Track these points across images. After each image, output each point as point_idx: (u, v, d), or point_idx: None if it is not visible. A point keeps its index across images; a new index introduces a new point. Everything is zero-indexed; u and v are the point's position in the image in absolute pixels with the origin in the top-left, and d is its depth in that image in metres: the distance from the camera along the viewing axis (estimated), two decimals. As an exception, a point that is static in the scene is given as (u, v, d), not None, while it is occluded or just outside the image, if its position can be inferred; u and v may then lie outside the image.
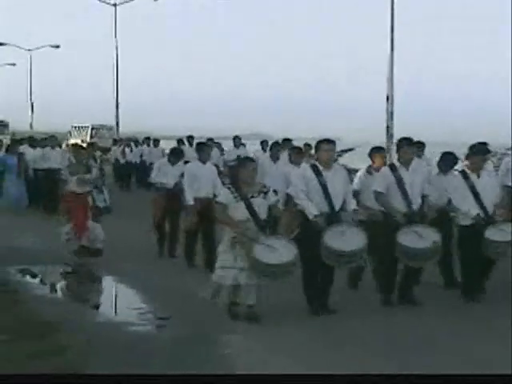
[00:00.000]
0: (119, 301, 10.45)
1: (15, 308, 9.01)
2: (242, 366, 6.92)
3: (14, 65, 58.92)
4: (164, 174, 12.71)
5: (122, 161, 28.43)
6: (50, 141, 20.56)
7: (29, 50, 54.07)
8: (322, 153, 9.00)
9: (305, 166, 9.35)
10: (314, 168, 8.93)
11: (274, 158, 13.02)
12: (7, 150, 20.36)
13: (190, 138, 25.38)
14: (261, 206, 8.46)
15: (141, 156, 27.66)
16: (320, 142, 9.13)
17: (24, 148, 21.06)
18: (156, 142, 27.76)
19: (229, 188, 8.58)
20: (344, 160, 19.98)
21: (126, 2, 41.05)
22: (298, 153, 12.44)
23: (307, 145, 14.74)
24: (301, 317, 8.61)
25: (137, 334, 8.22)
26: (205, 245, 11.74)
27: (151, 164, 25.20)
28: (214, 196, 10.94)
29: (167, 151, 25.77)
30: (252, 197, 8.43)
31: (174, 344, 7.74)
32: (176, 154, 13.25)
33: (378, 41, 25.52)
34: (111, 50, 40.98)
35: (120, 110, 41.29)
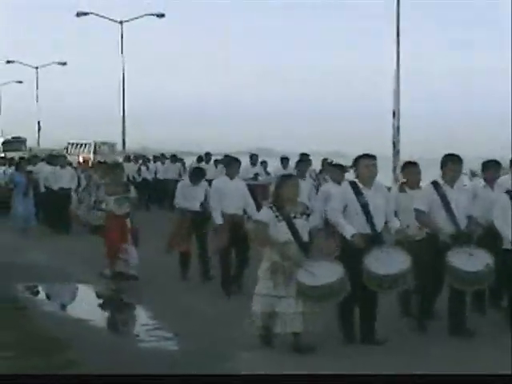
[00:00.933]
0: (126, 317, 10.49)
1: (24, 324, 9.05)
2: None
3: (21, 82, 59.19)
4: (188, 196, 12.06)
5: (138, 179, 27.12)
6: (60, 159, 20.12)
7: (36, 67, 54.30)
8: (362, 169, 8.30)
9: (345, 184, 8.70)
10: (354, 186, 8.26)
11: (301, 175, 12.16)
12: (17, 168, 20.00)
13: (208, 155, 25.10)
14: (303, 227, 7.91)
15: (155, 173, 27.04)
16: (360, 158, 8.41)
17: (41, 166, 20.89)
18: (173, 157, 27.10)
19: (270, 207, 7.95)
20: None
21: (132, 19, 41.23)
22: (339, 170, 11.84)
23: (325, 159, 14.52)
24: (333, 346, 7.97)
25: (146, 351, 8.24)
26: (238, 266, 10.99)
27: (167, 181, 25.12)
28: (244, 213, 10.93)
29: (179, 166, 26.00)
30: (294, 217, 7.89)
31: (184, 360, 7.77)
32: (198, 173, 12.61)
33: (385, 55, 25.53)
34: (118, 67, 41.11)
35: (126, 126, 41.32)
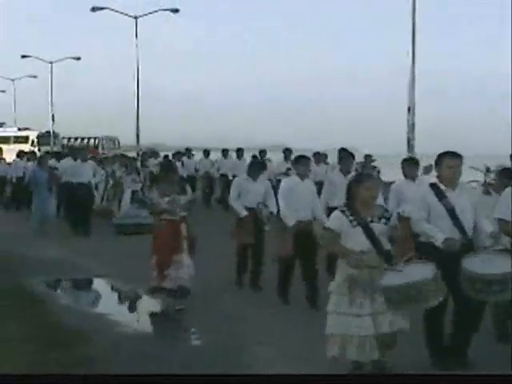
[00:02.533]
0: (145, 312, 10.49)
1: (43, 318, 9.12)
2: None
3: (35, 77, 59.36)
4: (244, 193, 11.07)
5: (184, 174, 24.59)
6: (81, 153, 19.09)
7: (50, 62, 54.38)
8: (445, 169, 7.37)
9: (425, 187, 7.60)
10: (435, 188, 7.35)
11: (345, 171, 11.47)
12: (39, 163, 18.70)
13: (240, 151, 23.66)
14: (383, 233, 6.82)
15: (196, 170, 25.16)
16: (443, 156, 7.46)
17: (67, 160, 19.94)
18: (205, 152, 25.57)
19: (342, 211, 6.82)
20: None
21: (147, 14, 41.25)
22: (414, 165, 10.81)
23: (368, 156, 12.82)
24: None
25: (164, 345, 8.30)
26: (306, 277, 10.00)
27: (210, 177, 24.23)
28: (314, 218, 10.07)
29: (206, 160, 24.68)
30: (371, 221, 6.81)
31: (199, 354, 7.81)
32: (257, 167, 11.48)
33: (400, 50, 25.50)
34: (132, 62, 41.11)
35: (140, 121, 41.31)
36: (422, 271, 6.51)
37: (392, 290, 6.47)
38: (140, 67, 40.69)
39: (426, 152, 15.63)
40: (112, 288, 12.08)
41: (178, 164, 24.74)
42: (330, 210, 9.49)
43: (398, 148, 19.42)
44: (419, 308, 6.69)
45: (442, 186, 7.37)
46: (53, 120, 52.20)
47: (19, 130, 51.20)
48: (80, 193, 17.66)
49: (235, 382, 5.00)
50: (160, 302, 10.07)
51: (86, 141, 50.04)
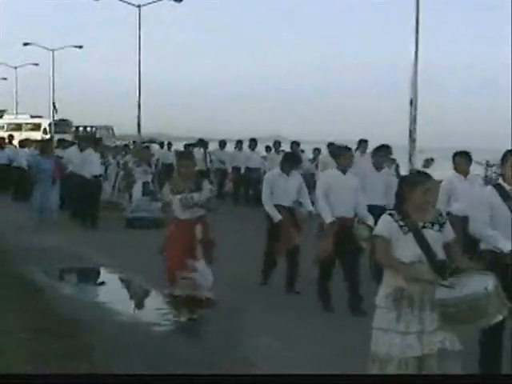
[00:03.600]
0: (147, 302, 10.50)
1: (41, 307, 9.10)
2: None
3: (37, 65, 59.31)
4: (278, 189, 10.25)
5: (203, 167, 22.86)
6: (92, 143, 18.07)
7: (52, 50, 54.34)
8: (511, 169, 6.70)
9: (487, 187, 6.99)
10: (500, 189, 6.66)
11: (379, 166, 10.72)
12: (42, 151, 17.18)
13: (253, 142, 22.82)
14: (437, 240, 5.90)
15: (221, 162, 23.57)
16: (509, 154, 6.78)
17: (72, 150, 18.74)
18: (222, 143, 23.98)
19: (391, 214, 5.92)
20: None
21: (150, 3, 41.18)
22: (467, 159, 9.96)
23: (387, 147, 11.36)
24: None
25: (162, 335, 8.32)
26: (347, 281, 9.32)
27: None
28: (355, 216, 9.30)
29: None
30: (424, 227, 5.90)
31: (197, 344, 7.82)
32: (292, 161, 10.59)
33: (403, 43, 25.48)
34: (134, 51, 41.06)
35: (142, 111, 41.29)
36: (481, 283, 5.67)
37: (446, 306, 5.66)
38: (142, 56, 40.74)
39: (428, 145, 15.56)
40: (114, 278, 12.04)
41: (200, 155, 23.32)
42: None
43: (399, 140, 19.38)
44: (477, 326, 5.90)
45: (508, 187, 6.65)
46: (54, 108, 52.22)
47: (31, 117, 51.26)
48: (88, 185, 16.78)
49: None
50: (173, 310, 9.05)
51: (81, 129, 50.13)
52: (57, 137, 35.90)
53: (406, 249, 5.83)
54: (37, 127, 49.20)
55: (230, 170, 23.63)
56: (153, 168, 18.29)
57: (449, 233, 5.99)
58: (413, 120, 24.51)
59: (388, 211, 6.04)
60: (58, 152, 19.74)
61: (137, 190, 17.22)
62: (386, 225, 5.94)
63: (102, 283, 11.86)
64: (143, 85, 40.92)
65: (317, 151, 22.32)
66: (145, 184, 17.45)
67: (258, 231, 11.53)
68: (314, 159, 21.81)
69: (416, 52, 24.38)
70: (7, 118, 53.01)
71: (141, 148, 20.40)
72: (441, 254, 5.90)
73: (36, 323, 8.23)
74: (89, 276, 12.33)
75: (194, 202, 8.63)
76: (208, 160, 23.40)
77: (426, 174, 6.56)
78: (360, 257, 9.38)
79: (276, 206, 10.20)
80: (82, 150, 17.56)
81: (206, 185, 8.85)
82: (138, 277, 11.31)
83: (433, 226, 5.91)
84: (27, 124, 50.10)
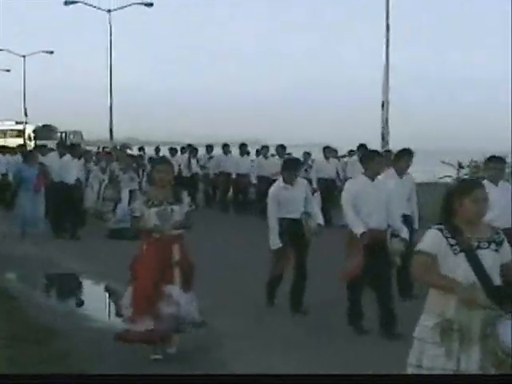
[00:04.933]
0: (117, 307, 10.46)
1: (15, 314, 9.05)
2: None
3: (8, 71, 58.88)
4: (284, 202, 9.29)
5: (188, 173, 22.66)
6: (72, 149, 17.18)
7: (23, 55, 53.98)
8: None
9: None
10: None
11: (401, 172, 9.90)
12: (24, 159, 16.15)
13: (243, 147, 21.85)
14: (494, 263, 4.95)
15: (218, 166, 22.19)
16: None
17: (52, 156, 17.53)
18: (226, 147, 22.50)
19: (440, 230, 4.95)
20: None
21: (121, 8, 41.05)
22: (500, 164, 9.05)
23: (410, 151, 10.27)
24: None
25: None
26: (381, 299, 8.33)
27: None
28: (388, 227, 8.44)
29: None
30: (478, 246, 4.95)
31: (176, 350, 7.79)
32: (292, 167, 9.61)
33: (373, 45, 25.62)
34: (105, 56, 40.90)
35: (113, 116, 41.12)
36: None
37: (502, 343, 4.76)
38: (113, 61, 40.57)
39: (400, 148, 15.62)
40: (88, 284, 11.98)
41: (193, 161, 22.67)
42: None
43: (371, 143, 19.47)
44: None
45: None
46: (25, 114, 51.85)
47: (16, 123, 50.82)
48: (67, 192, 15.90)
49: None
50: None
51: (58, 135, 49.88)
52: (39, 143, 35.45)
53: (456, 271, 4.89)
54: (21, 133, 48.78)
55: (212, 176, 22.57)
56: (140, 175, 17.53)
57: (507, 253, 5.03)
58: (385, 122, 24.67)
59: (436, 225, 5.06)
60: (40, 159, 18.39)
61: (123, 198, 16.24)
62: (433, 241, 4.96)
63: (79, 291, 11.78)
64: (114, 90, 40.79)
65: (307, 155, 21.96)
66: (131, 192, 16.23)
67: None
68: (304, 163, 20.81)
69: (387, 55, 24.55)
70: None
71: (127, 154, 19.37)
72: (496, 279, 4.94)
73: (11, 330, 8.18)
74: (65, 284, 12.22)
75: (173, 216, 7.36)
76: (195, 167, 22.69)
77: (475, 181, 5.87)
78: (393, 274, 8.66)
79: (282, 219, 9.25)
80: (61, 157, 16.63)
81: (186, 197, 7.56)
82: (115, 284, 11.18)
83: (489, 245, 4.97)
84: (12, 131, 49.70)
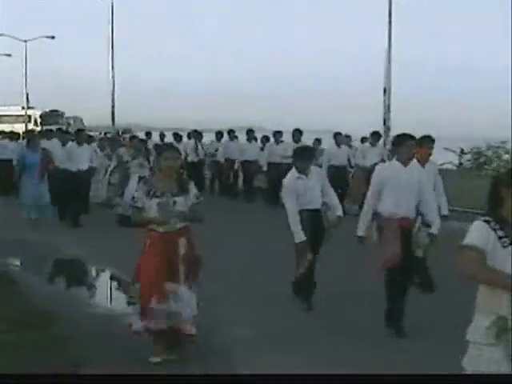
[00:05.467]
0: (116, 293, 10.46)
1: (15, 299, 9.03)
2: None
3: (9, 55, 58.76)
4: (300, 195, 8.79)
5: (195, 159, 22.04)
6: (78, 135, 16.51)
7: (24, 40, 53.86)
8: None
9: None
10: None
11: (423, 161, 9.21)
12: (28, 144, 15.71)
13: (250, 133, 21.20)
14: None
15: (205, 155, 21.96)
16: None
17: (54, 143, 17.14)
18: (232, 132, 21.92)
19: (487, 221, 4.61)
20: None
21: (123, -7, 40.97)
22: None
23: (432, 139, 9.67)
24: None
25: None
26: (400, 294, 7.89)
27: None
28: (418, 216, 7.96)
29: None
30: None
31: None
32: (305, 156, 9.01)
33: (376, 33, 25.56)
34: (107, 41, 40.75)
35: (115, 101, 40.99)
36: None
37: None
38: (115, 46, 40.43)
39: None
40: (90, 271, 11.96)
41: (199, 146, 22.06)
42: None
43: (374, 129, 19.42)
44: None
45: None
46: (27, 99, 51.75)
47: (23, 108, 50.67)
48: (71, 180, 15.47)
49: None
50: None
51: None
52: (47, 128, 35.24)
53: (506, 265, 4.53)
54: (28, 119, 48.62)
55: (219, 163, 21.84)
56: (151, 162, 16.59)
57: None
58: (387, 108, 24.65)
59: (483, 217, 4.70)
60: (44, 144, 17.67)
61: (131, 185, 15.40)
62: (481, 234, 4.59)
63: (81, 277, 11.77)
64: (116, 75, 40.67)
65: (317, 141, 21.11)
66: (141, 179, 15.74)
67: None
68: (316, 150, 21.00)
69: (389, 41, 24.47)
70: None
71: (137, 140, 18.17)
72: None
73: (12, 315, 8.17)
74: (67, 269, 12.21)
75: (178, 208, 6.82)
76: (202, 153, 22.17)
77: None
78: (414, 269, 8.26)
79: (301, 211, 8.72)
80: (63, 144, 16.28)
81: (192, 188, 6.97)
82: (117, 271, 11.13)
83: None
84: (18, 116, 49.56)
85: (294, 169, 8.97)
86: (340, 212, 9.08)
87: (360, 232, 8.04)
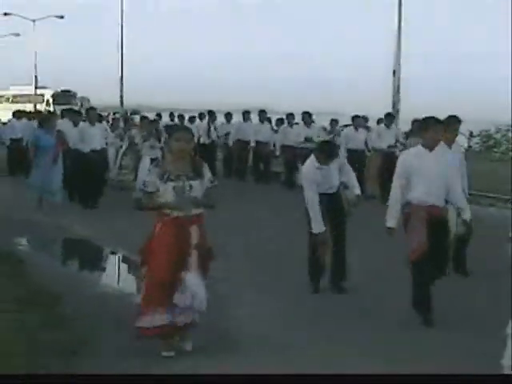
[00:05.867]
0: (124, 274, 10.45)
1: (22, 279, 9.06)
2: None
3: (18, 35, 58.68)
4: (320, 182, 8.67)
5: (207, 141, 21.81)
6: (90, 114, 15.94)
7: (33, 20, 53.76)
8: None
9: None
10: None
11: (450, 143, 8.80)
12: (41, 124, 15.23)
13: (263, 114, 20.69)
14: None
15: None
16: None
17: (63, 123, 16.58)
18: (246, 113, 21.37)
19: None
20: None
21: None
22: None
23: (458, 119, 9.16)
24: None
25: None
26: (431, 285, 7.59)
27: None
28: (447, 203, 7.71)
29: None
30: None
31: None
32: (330, 153, 8.73)
33: (386, 15, 25.34)
34: (116, 22, 40.63)
35: (124, 82, 40.90)
36: None
37: None
38: (125, 27, 40.32)
39: (413, 115, 15.45)
40: (97, 252, 11.97)
41: (203, 129, 21.55)
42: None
43: (383, 111, 19.31)
44: None
45: None
46: (36, 79, 51.72)
47: (36, 88, 50.57)
48: (82, 162, 15.05)
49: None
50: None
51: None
52: (58, 109, 34.98)
53: None
54: (40, 99, 48.46)
55: (231, 144, 21.35)
56: (162, 143, 16.09)
57: None
58: (396, 90, 24.52)
59: None
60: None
61: (143, 167, 15.02)
62: None
63: (87, 257, 11.80)
64: (125, 56, 40.56)
65: (334, 122, 20.82)
66: (153, 161, 14.68)
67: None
68: (332, 132, 20.09)
69: (399, 23, 24.31)
70: (12, 90, 52.47)
71: (149, 121, 17.65)
72: None
73: (17, 293, 8.18)
74: (74, 249, 12.25)
75: (192, 192, 6.43)
76: (214, 135, 21.78)
77: None
78: (448, 258, 7.99)
79: (320, 195, 8.59)
80: (75, 124, 15.83)
81: (207, 171, 6.57)
82: (124, 251, 11.16)
83: None
84: (30, 95, 49.42)
85: (313, 156, 8.74)
86: (358, 191, 8.92)
87: (390, 223, 7.64)
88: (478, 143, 34.33)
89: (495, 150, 31.90)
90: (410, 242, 7.43)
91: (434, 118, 7.67)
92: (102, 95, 48.20)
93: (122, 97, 40.52)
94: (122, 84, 40.51)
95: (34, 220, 13.50)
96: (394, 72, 24.60)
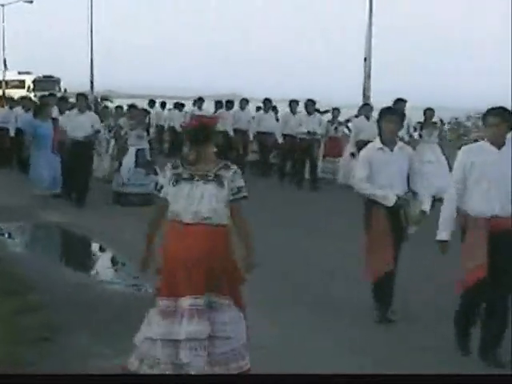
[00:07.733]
0: (96, 260, 10.42)
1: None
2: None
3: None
4: (380, 171, 6.99)
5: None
6: (79, 101, 14.77)
7: (2, 5, 53.22)
8: None
9: None
10: None
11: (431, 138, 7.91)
12: (36, 113, 14.22)
13: (267, 102, 19.48)
14: None
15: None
16: None
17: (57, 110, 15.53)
18: (243, 101, 20.24)
19: None
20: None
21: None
22: None
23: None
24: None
25: (114, 293, 8.26)
26: (495, 318, 5.99)
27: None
28: None
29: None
30: None
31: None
32: (394, 122, 7.24)
33: (357, 1, 25.48)
34: (86, 7, 40.28)
35: (94, 67, 40.62)
36: None
37: None
38: (94, 11, 40.00)
39: (383, 103, 15.28)
40: (73, 238, 11.86)
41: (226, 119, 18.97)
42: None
43: (353, 98, 19.34)
44: None
45: None
46: (5, 65, 51.13)
47: (19, 73, 49.75)
48: (76, 151, 13.95)
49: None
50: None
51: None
52: (39, 95, 34.39)
53: None
54: (22, 84, 47.75)
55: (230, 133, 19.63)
56: (150, 133, 15.40)
57: None
58: (367, 77, 24.62)
59: None
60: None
61: (129, 158, 14.27)
62: None
63: (60, 243, 11.74)
64: (95, 41, 40.27)
65: (336, 111, 18.86)
66: (139, 151, 14.38)
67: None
68: (333, 121, 18.39)
69: (370, 9, 24.40)
70: None
71: (136, 109, 15.93)
72: None
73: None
74: (47, 237, 12.06)
75: (209, 199, 5.19)
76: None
77: None
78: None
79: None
80: (61, 111, 15.18)
81: (232, 177, 5.24)
82: (97, 237, 11.12)
83: None
84: (12, 81, 48.70)
85: (377, 139, 7.19)
86: (427, 206, 7.06)
87: (443, 235, 6.13)
88: (446, 131, 34.54)
89: (465, 138, 32.14)
90: (464, 262, 6.03)
91: (502, 107, 6.10)
92: (72, 80, 47.60)
93: (92, 82, 40.23)
94: (91, 70, 40.25)
95: (12, 207, 13.27)
96: (365, 59, 24.72)
